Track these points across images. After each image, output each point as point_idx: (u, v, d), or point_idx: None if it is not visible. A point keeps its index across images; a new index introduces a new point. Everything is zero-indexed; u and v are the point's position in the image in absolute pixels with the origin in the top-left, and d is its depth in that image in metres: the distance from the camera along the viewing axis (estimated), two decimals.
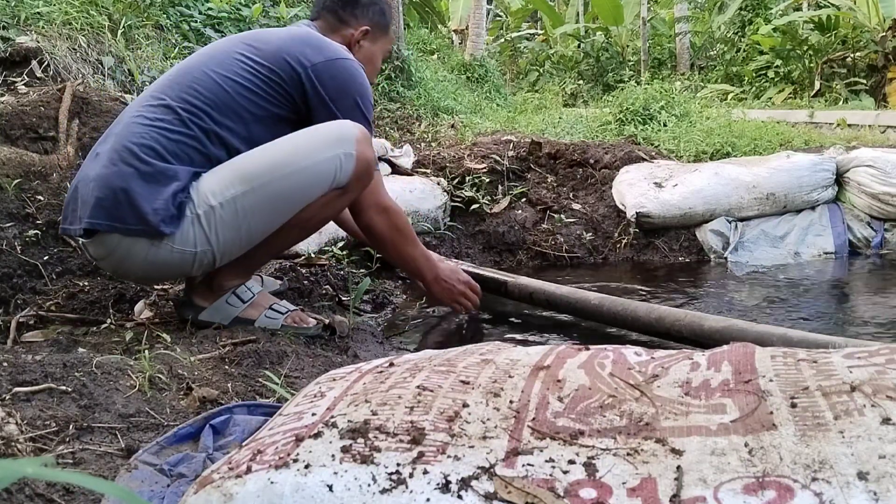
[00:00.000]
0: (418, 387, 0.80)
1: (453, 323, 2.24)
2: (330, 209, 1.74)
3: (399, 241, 1.92)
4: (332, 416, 0.76)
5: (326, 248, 2.58)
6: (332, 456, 0.69)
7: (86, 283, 1.99)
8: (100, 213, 1.57)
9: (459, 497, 0.64)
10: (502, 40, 13.80)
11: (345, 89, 1.74)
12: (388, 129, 4.27)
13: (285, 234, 1.73)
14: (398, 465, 0.67)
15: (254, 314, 1.77)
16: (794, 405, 0.69)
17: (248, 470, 0.70)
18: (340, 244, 2.59)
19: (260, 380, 1.43)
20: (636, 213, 3.04)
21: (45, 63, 2.76)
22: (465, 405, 0.76)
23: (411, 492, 0.65)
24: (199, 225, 1.60)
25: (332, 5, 1.93)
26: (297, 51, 1.73)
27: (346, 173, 1.66)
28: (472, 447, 0.69)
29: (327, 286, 2.29)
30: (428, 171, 3.29)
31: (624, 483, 0.64)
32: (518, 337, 2.09)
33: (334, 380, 0.91)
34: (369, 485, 0.66)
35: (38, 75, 2.72)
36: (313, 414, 0.79)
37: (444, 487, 0.65)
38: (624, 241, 3.13)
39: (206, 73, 1.69)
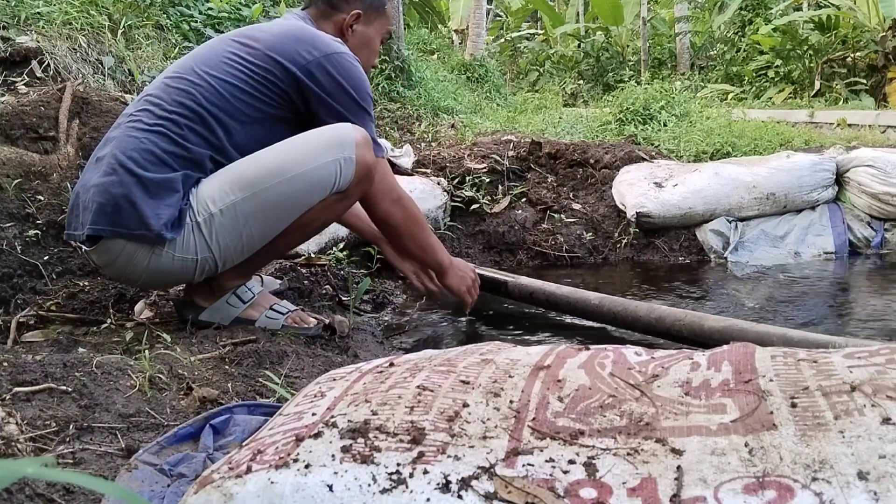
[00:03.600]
0: (418, 387, 0.80)
1: (452, 323, 2.24)
2: (330, 213, 1.74)
3: (416, 230, 1.91)
4: (333, 416, 0.76)
5: (327, 248, 2.58)
6: (333, 456, 0.69)
7: (86, 283, 1.99)
8: (101, 219, 1.57)
9: (459, 497, 0.64)
10: (502, 40, 13.80)
11: (341, 84, 1.71)
12: (388, 129, 4.27)
13: (286, 237, 1.72)
14: (398, 464, 0.67)
15: (254, 314, 1.78)
16: (794, 405, 0.69)
17: (249, 470, 0.70)
18: (341, 244, 2.59)
19: (260, 380, 1.43)
20: (636, 212, 3.04)
21: (45, 63, 2.76)
22: (465, 405, 0.76)
23: (411, 492, 0.65)
24: (200, 232, 1.60)
25: None
26: (290, 49, 1.69)
27: (347, 178, 1.66)
28: (473, 447, 0.69)
29: (327, 286, 2.29)
30: (428, 171, 3.29)
31: (624, 483, 0.64)
32: (518, 337, 2.10)
33: (334, 380, 0.91)
34: (369, 485, 0.66)
35: (38, 75, 2.71)
36: (313, 414, 0.79)
37: (445, 487, 0.65)
38: (624, 241, 3.13)
39: (201, 76, 1.66)
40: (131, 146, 1.60)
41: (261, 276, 2.10)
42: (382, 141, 3.22)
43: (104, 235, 1.58)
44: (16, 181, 2.09)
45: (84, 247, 1.67)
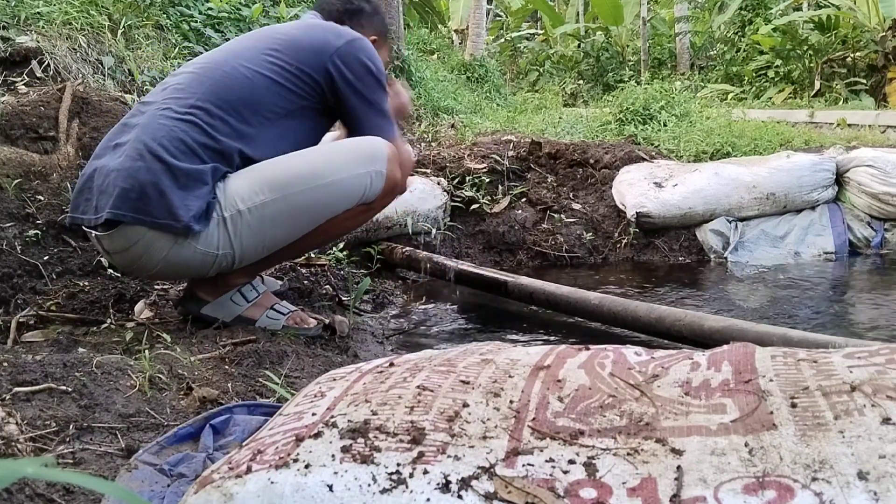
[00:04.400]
0: (418, 387, 0.80)
1: (452, 323, 2.25)
2: (352, 223, 1.78)
3: None
4: (333, 416, 0.76)
5: (327, 249, 2.58)
6: (333, 456, 0.69)
7: (86, 283, 1.98)
8: (124, 205, 1.53)
9: (459, 497, 0.64)
10: (502, 40, 13.80)
11: (367, 66, 1.75)
12: None
13: (305, 241, 1.74)
14: (398, 464, 0.67)
15: (256, 314, 1.77)
16: (794, 405, 0.69)
17: (249, 470, 0.70)
18: (341, 244, 2.59)
19: (260, 380, 1.43)
20: (636, 212, 3.04)
21: (45, 63, 2.76)
22: (465, 405, 0.76)
23: (411, 492, 0.65)
24: (225, 227, 1.59)
25: (338, 16, 1.92)
26: (319, 37, 1.74)
27: (375, 191, 1.70)
28: (473, 447, 0.69)
29: (327, 286, 2.29)
30: (428, 171, 3.29)
31: (624, 483, 0.64)
32: (518, 337, 2.10)
33: (334, 380, 0.91)
34: (369, 485, 0.66)
35: (38, 75, 2.71)
36: (313, 414, 0.79)
37: (445, 487, 0.65)
38: (624, 241, 3.13)
39: (237, 69, 1.67)
40: (161, 133, 1.57)
41: (261, 276, 2.10)
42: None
43: (124, 221, 1.54)
44: (16, 181, 2.09)
45: (94, 231, 1.60)
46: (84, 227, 1.63)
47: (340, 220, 1.70)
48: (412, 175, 3.19)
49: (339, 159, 1.68)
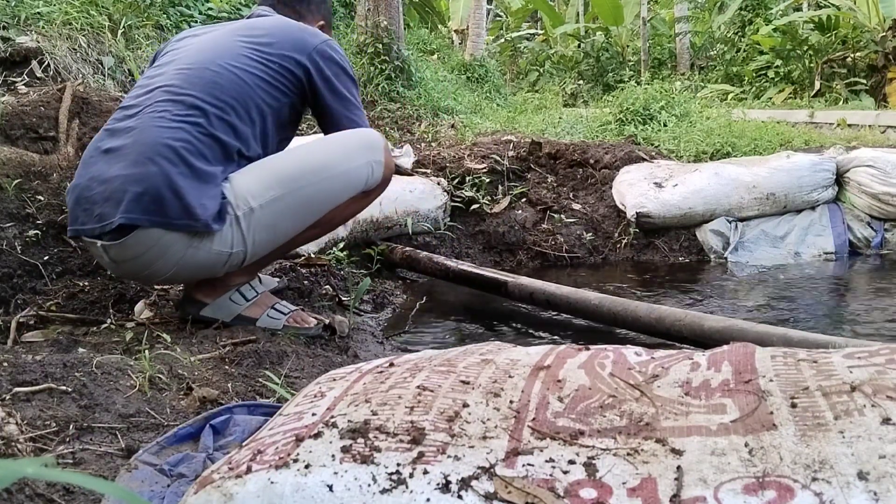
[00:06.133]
0: (418, 387, 0.80)
1: (452, 324, 2.24)
2: (351, 210, 1.82)
3: None
4: (333, 416, 0.76)
5: (327, 249, 2.58)
6: (333, 456, 0.69)
7: (86, 283, 1.98)
8: (137, 208, 1.50)
9: (459, 497, 0.64)
10: (502, 40, 13.79)
11: (341, 66, 1.81)
12: (388, 129, 4.26)
13: (308, 232, 1.77)
14: (398, 465, 0.67)
15: (256, 313, 1.77)
16: (794, 405, 0.69)
17: (249, 470, 0.70)
18: (341, 244, 2.59)
19: (260, 380, 1.43)
20: (636, 213, 3.04)
21: (45, 63, 2.76)
22: (465, 405, 0.76)
23: (411, 492, 0.65)
24: (238, 226, 1.60)
25: (289, 2, 1.97)
26: (297, 37, 1.77)
27: (376, 179, 1.77)
28: (473, 447, 0.69)
29: (327, 286, 2.29)
30: (428, 171, 3.29)
31: (624, 483, 0.64)
32: (518, 337, 2.10)
33: (334, 380, 0.91)
34: (369, 485, 0.66)
35: (38, 75, 2.71)
36: (313, 414, 0.79)
37: (445, 487, 0.65)
38: (624, 241, 3.13)
39: (225, 69, 1.66)
40: (165, 135, 1.55)
41: (259, 276, 2.10)
42: None
43: (140, 226, 1.50)
44: (16, 181, 2.09)
45: (100, 241, 1.54)
46: (85, 238, 1.59)
47: (342, 208, 1.75)
48: (412, 175, 3.20)
49: (341, 151, 1.73)
